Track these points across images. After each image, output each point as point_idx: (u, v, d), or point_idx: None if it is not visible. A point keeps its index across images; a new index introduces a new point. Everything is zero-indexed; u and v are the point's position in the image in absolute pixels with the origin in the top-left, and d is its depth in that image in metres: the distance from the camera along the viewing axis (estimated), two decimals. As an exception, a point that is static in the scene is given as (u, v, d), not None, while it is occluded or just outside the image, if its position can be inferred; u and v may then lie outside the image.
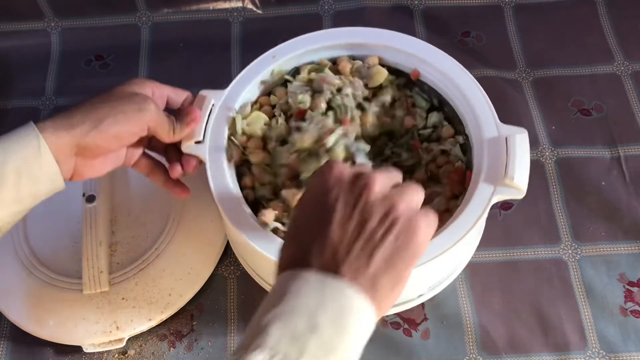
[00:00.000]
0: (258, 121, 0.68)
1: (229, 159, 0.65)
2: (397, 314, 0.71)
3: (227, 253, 0.75)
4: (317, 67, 0.71)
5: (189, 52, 0.92)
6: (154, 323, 0.69)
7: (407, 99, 0.71)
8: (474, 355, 0.69)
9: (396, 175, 0.50)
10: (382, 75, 0.69)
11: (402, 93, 0.71)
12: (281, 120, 0.68)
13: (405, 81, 0.71)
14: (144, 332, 0.69)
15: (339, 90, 0.68)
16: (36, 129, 0.55)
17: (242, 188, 0.65)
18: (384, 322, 0.70)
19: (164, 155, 0.66)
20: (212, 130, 0.65)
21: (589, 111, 0.84)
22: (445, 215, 0.65)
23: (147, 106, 0.59)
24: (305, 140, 0.65)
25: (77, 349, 0.69)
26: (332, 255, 0.44)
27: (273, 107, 0.70)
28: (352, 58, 0.71)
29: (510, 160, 0.60)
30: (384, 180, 0.47)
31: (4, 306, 0.70)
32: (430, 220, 0.47)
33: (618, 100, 0.85)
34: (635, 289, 0.72)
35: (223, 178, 0.63)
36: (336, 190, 0.47)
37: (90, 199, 0.72)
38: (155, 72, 0.90)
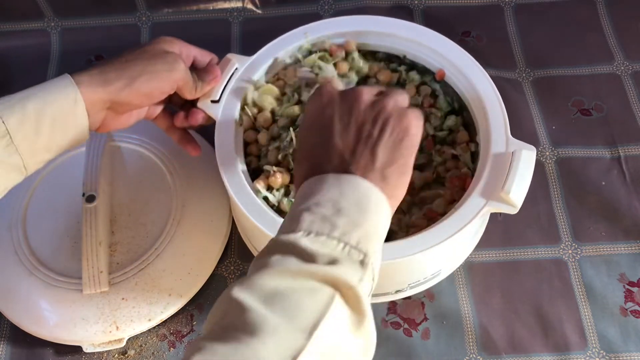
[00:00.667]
0: (269, 94, 0.70)
1: (240, 124, 0.67)
2: (398, 314, 0.71)
3: (227, 253, 0.75)
4: (323, 54, 0.71)
5: (189, 52, 0.92)
6: (154, 323, 0.69)
7: (429, 98, 0.71)
8: (474, 355, 0.69)
9: (379, 87, 0.55)
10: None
11: (428, 89, 0.71)
12: (291, 99, 0.69)
13: (430, 79, 0.71)
14: (144, 332, 0.69)
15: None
16: (74, 83, 0.57)
17: (247, 154, 0.67)
18: (384, 322, 0.70)
19: (180, 110, 0.68)
20: (229, 92, 0.67)
21: (589, 111, 0.84)
22: (440, 218, 0.65)
23: (178, 66, 0.61)
24: None
25: (77, 349, 0.69)
26: (340, 160, 0.50)
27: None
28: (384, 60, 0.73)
29: (510, 175, 0.60)
30: (370, 90, 0.53)
31: (4, 306, 0.70)
32: (417, 113, 0.52)
33: (618, 100, 0.85)
34: (635, 289, 0.72)
35: (229, 140, 0.65)
36: (330, 107, 0.53)
37: (90, 199, 0.72)
38: (155, 72, 0.90)
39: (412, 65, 0.72)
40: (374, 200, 0.48)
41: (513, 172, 0.60)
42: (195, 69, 0.67)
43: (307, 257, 0.44)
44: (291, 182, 0.65)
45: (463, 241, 0.67)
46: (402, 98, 0.53)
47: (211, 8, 0.95)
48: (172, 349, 0.70)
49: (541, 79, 0.87)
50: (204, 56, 0.68)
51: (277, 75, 0.72)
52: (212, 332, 0.41)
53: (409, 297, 0.71)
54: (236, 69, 0.69)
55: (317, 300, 0.42)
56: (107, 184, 0.74)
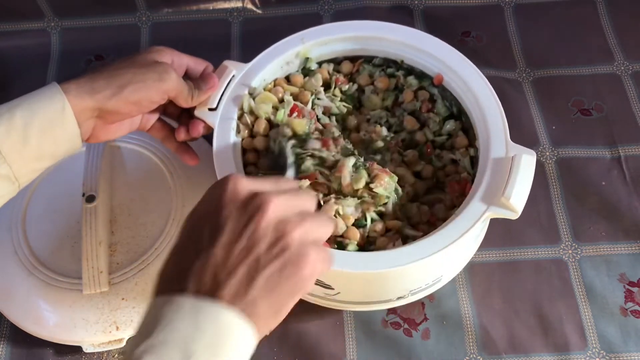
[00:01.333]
0: (266, 102, 0.69)
1: (237, 131, 0.66)
2: (398, 314, 0.71)
3: (227, 253, 0.75)
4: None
5: (189, 52, 0.92)
6: (153, 323, 0.69)
7: (428, 103, 0.70)
8: (474, 355, 0.69)
9: (305, 202, 0.47)
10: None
11: (426, 93, 0.71)
12: (286, 110, 0.69)
13: (427, 84, 0.71)
14: (143, 332, 0.69)
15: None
16: (61, 91, 0.57)
17: (246, 162, 0.66)
18: (384, 322, 0.70)
19: (177, 121, 0.68)
20: (226, 100, 0.67)
21: (589, 111, 0.84)
22: (441, 223, 0.65)
23: (168, 75, 0.61)
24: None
25: (77, 349, 0.69)
26: (211, 277, 0.42)
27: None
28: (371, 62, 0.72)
29: (511, 180, 0.59)
30: (284, 204, 0.45)
31: (4, 306, 0.70)
32: (323, 256, 0.45)
33: (618, 100, 0.85)
34: (635, 289, 0.72)
35: (227, 148, 0.64)
36: (228, 208, 0.44)
37: (90, 199, 0.72)
38: (155, 72, 0.90)
39: (410, 70, 0.72)
40: (236, 336, 0.41)
41: (513, 177, 0.60)
42: (191, 78, 0.67)
43: None
44: None
45: (464, 247, 0.67)
46: (318, 232, 0.46)
47: (211, 8, 0.95)
48: (172, 349, 0.70)
49: (541, 79, 0.87)
50: (198, 64, 0.67)
51: (275, 82, 0.72)
52: None
53: (409, 297, 0.71)
54: (233, 76, 0.68)
55: None
56: (107, 184, 0.74)
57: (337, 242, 0.62)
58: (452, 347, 0.69)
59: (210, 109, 0.66)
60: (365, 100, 0.73)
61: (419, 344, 0.69)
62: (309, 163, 0.63)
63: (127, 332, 0.68)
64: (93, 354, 0.70)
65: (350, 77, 0.74)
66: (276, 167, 0.66)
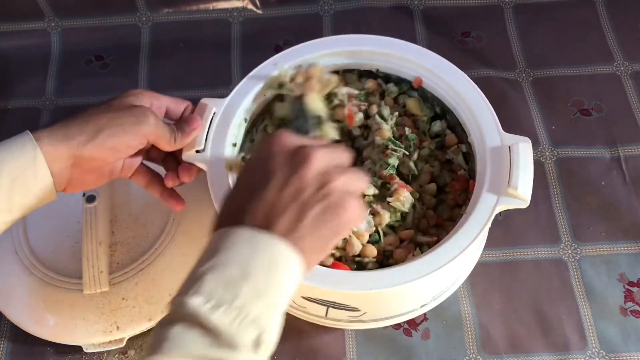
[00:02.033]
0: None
1: (229, 168, 0.64)
2: (397, 314, 0.71)
3: (227, 253, 0.75)
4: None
5: (189, 52, 0.92)
6: (154, 323, 0.69)
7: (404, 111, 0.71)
8: (474, 355, 0.69)
9: (342, 156, 0.52)
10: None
11: (406, 97, 0.71)
12: None
13: (407, 88, 0.71)
14: (144, 332, 0.69)
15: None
16: (33, 139, 0.54)
17: None
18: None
19: (162, 164, 0.66)
20: (213, 139, 0.64)
21: (589, 111, 0.84)
22: (448, 223, 0.65)
23: (145, 119, 0.58)
24: None
25: (77, 349, 0.69)
26: (265, 214, 0.47)
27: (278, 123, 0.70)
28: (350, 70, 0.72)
29: (513, 170, 0.60)
30: (326, 156, 0.50)
31: (4, 306, 0.70)
32: (360, 207, 0.50)
33: (618, 100, 0.85)
34: (635, 289, 0.72)
35: (224, 187, 0.62)
36: (278, 158, 0.50)
37: (90, 199, 0.72)
38: (155, 72, 0.90)
39: (387, 78, 0.71)
40: (287, 265, 0.46)
41: (515, 167, 0.60)
42: (172, 119, 0.64)
43: (208, 332, 0.43)
44: None
45: (480, 243, 0.67)
46: (356, 185, 0.51)
47: (211, 8, 0.95)
48: (172, 349, 0.70)
49: (541, 79, 0.87)
50: (177, 105, 0.64)
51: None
52: None
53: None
54: (214, 113, 0.65)
55: None
56: (107, 184, 0.74)
57: (356, 262, 0.62)
58: (452, 347, 0.69)
59: (197, 151, 0.63)
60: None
61: (419, 344, 0.69)
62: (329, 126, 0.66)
63: (127, 332, 0.68)
64: (93, 354, 0.70)
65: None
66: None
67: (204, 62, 0.91)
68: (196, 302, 0.43)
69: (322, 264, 0.59)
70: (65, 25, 0.94)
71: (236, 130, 0.67)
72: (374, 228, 0.64)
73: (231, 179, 0.64)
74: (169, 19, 0.94)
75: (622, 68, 0.87)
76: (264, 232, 0.46)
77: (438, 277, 0.58)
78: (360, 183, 0.51)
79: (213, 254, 0.46)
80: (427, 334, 0.70)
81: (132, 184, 0.65)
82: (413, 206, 0.65)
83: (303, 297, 0.62)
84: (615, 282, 0.72)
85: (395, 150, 0.66)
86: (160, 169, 0.66)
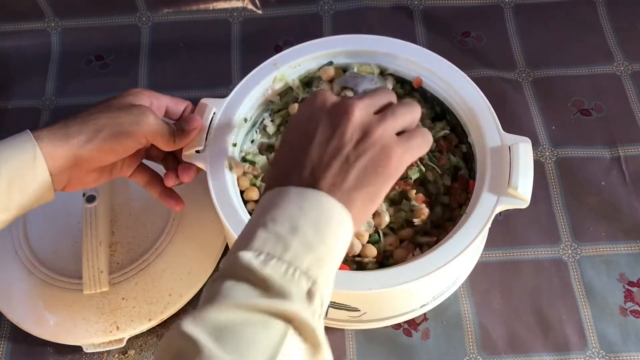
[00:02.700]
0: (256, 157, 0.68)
1: (230, 168, 0.64)
2: (397, 314, 0.71)
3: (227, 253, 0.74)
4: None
5: (189, 52, 0.92)
6: (154, 323, 0.69)
7: None
8: (474, 355, 0.69)
9: (383, 97, 0.52)
10: None
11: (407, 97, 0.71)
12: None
13: (409, 89, 0.71)
14: (144, 332, 0.70)
15: None
16: (33, 138, 0.54)
17: (245, 200, 0.65)
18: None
19: (162, 164, 0.66)
20: (212, 138, 0.64)
21: (589, 111, 0.84)
22: (448, 223, 0.65)
23: (145, 118, 0.58)
24: None
25: (77, 349, 0.69)
26: (310, 172, 0.48)
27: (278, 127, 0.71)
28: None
29: (513, 170, 0.60)
30: (366, 107, 0.50)
31: (4, 306, 0.70)
32: (408, 146, 0.50)
33: (618, 100, 0.85)
34: (635, 289, 0.72)
35: (224, 187, 0.62)
36: (318, 116, 0.50)
37: (90, 199, 0.72)
38: (155, 72, 0.90)
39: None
40: (336, 219, 0.47)
41: (515, 167, 0.60)
42: (172, 119, 0.64)
43: (259, 284, 0.43)
44: None
45: (480, 242, 0.67)
46: (397, 124, 0.51)
47: (211, 8, 0.95)
48: (172, 349, 0.70)
49: (541, 79, 0.87)
50: (177, 105, 0.64)
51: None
52: None
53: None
54: (214, 113, 0.65)
55: (270, 336, 0.41)
56: (108, 184, 0.74)
57: (356, 262, 0.62)
58: (452, 347, 0.69)
59: (197, 151, 0.63)
60: None
61: (419, 344, 0.69)
62: None
63: (128, 332, 0.68)
64: (93, 354, 0.70)
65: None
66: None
67: (204, 62, 0.91)
68: (247, 257, 0.44)
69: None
70: (65, 25, 0.94)
71: (236, 130, 0.67)
72: (374, 228, 0.64)
73: (231, 178, 0.64)
74: (169, 19, 0.94)
75: (622, 68, 0.87)
76: (312, 189, 0.47)
77: (438, 277, 0.58)
78: (406, 116, 0.51)
79: (262, 213, 0.47)
80: (427, 334, 0.70)
81: (132, 183, 0.65)
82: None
83: (303, 297, 0.62)
84: (615, 282, 0.72)
85: (421, 161, 0.66)
86: (160, 169, 0.66)
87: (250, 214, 0.63)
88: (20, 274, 0.71)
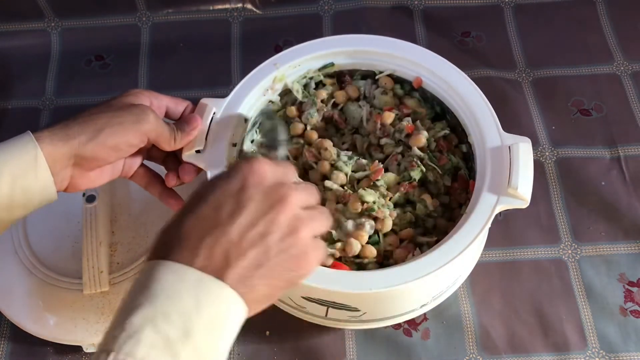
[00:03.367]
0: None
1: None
2: (397, 314, 0.71)
3: (227, 253, 0.74)
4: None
5: (189, 52, 0.92)
6: (154, 323, 0.69)
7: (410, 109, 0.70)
8: (474, 355, 0.69)
9: (314, 196, 0.49)
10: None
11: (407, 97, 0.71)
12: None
13: (409, 89, 0.71)
14: (144, 332, 0.69)
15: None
16: (34, 139, 0.54)
17: None
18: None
19: (162, 164, 0.66)
20: (213, 139, 0.64)
21: (589, 111, 0.84)
22: (449, 224, 0.65)
23: (146, 117, 0.58)
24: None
25: (77, 349, 0.69)
26: (223, 254, 0.43)
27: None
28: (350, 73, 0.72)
29: (513, 170, 0.60)
30: (302, 199, 0.47)
31: (4, 306, 0.70)
32: (321, 254, 0.47)
33: (618, 100, 0.85)
34: (635, 289, 0.72)
35: None
36: (252, 191, 0.45)
37: (90, 199, 0.72)
38: (155, 72, 0.90)
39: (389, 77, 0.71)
40: (231, 314, 0.43)
41: (515, 167, 0.60)
42: (172, 119, 0.64)
43: None
44: None
45: (480, 243, 0.67)
46: (322, 227, 0.48)
47: (211, 8, 0.95)
48: (172, 349, 0.70)
49: (541, 79, 0.87)
50: (177, 105, 0.64)
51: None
52: None
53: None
54: (214, 113, 0.65)
55: None
56: (108, 184, 0.74)
57: (356, 262, 0.62)
58: (452, 347, 0.69)
59: (197, 151, 0.63)
60: (375, 102, 0.72)
61: (418, 344, 0.69)
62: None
63: (127, 332, 0.68)
64: (93, 354, 0.70)
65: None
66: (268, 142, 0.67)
67: (204, 62, 0.91)
68: None
69: (322, 264, 0.59)
70: (65, 25, 0.94)
71: (236, 130, 0.67)
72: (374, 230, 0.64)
73: None
74: (169, 19, 0.94)
75: (622, 68, 0.87)
76: (215, 279, 0.42)
77: (438, 277, 0.58)
78: (325, 226, 0.49)
79: (151, 297, 0.41)
80: (427, 334, 0.70)
81: (132, 184, 0.65)
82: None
83: (303, 297, 0.62)
84: (615, 282, 0.72)
85: (421, 160, 0.66)
86: (160, 169, 0.66)
87: None
88: (20, 274, 0.71)
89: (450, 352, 0.69)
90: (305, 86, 0.72)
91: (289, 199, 0.46)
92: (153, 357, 0.39)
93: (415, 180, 0.65)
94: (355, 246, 0.62)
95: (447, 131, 0.68)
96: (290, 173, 0.49)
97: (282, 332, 0.70)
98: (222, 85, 0.88)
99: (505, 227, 0.75)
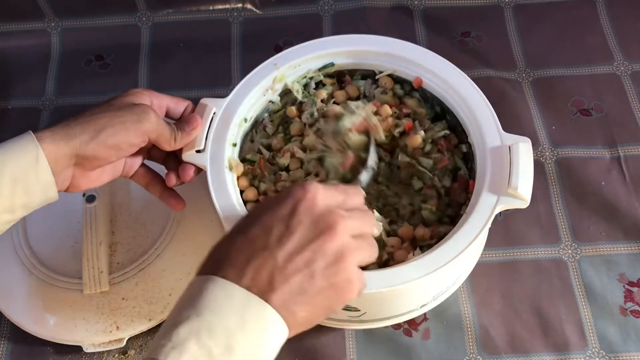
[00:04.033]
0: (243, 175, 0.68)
1: (230, 168, 0.65)
2: (397, 314, 0.71)
3: (227, 253, 0.74)
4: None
5: (189, 52, 0.92)
6: (154, 323, 0.69)
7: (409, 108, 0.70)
8: (474, 355, 0.69)
9: (368, 224, 0.50)
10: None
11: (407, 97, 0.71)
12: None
13: (409, 89, 0.71)
14: (144, 332, 0.69)
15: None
16: (35, 139, 0.54)
17: (245, 200, 0.65)
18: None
19: (163, 164, 0.66)
20: (213, 138, 0.64)
21: (589, 111, 0.84)
22: (449, 224, 0.65)
23: (147, 116, 0.58)
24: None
25: (77, 349, 0.69)
26: (268, 278, 0.44)
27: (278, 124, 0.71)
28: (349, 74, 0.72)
29: (513, 170, 0.60)
30: (352, 226, 0.47)
31: (4, 306, 0.70)
32: (362, 284, 0.48)
33: (618, 100, 0.85)
34: (635, 289, 0.72)
35: (224, 187, 0.62)
36: (302, 217, 0.46)
37: (90, 199, 0.72)
38: (155, 72, 0.90)
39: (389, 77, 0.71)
40: (273, 337, 0.44)
41: (515, 167, 0.60)
42: (172, 119, 0.64)
43: None
44: None
45: (480, 242, 0.67)
46: (368, 258, 0.49)
47: (211, 8, 0.95)
48: (172, 349, 0.70)
49: (541, 79, 0.87)
50: (178, 104, 0.64)
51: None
52: None
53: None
54: (214, 113, 0.65)
55: None
56: (108, 184, 0.74)
57: None
58: (452, 347, 0.69)
59: (197, 151, 0.63)
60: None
61: (419, 344, 0.69)
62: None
63: (127, 332, 0.68)
64: (93, 354, 0.70)
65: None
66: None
67: (204, 62, 0.91)
68: None
69: None
70: (65, 25, 0.94)
71: (236, 130, 0.67)
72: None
73: (231, 178, 0.64)
74: (169, 19, 0.94)
75: (622, 68, 0.87)
76: (261, 300, 0.44)
77: (438, 277, 0.58)
78: (372, 256, 0.49)
79: (199, 310, 0.43)
80: (427, 334, 0.70)
81: (132, 183, 0.65)
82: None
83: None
84: (615, 282, 0.72)
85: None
86: (160, 169, 0.66)
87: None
88: (20, 274, 0.71)
89: (450, 352, 0.69)
90: (305, 86, 0.72)
91: (337, 228, 0.46)
92: None
93: (428, 220, 0.65)
94: None
95: (447, 131, 0.68)
96: (354, 199, 0.50)
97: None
98: (222, 85, 0.88)
99: (505, 227, 0.75)
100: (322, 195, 0.48)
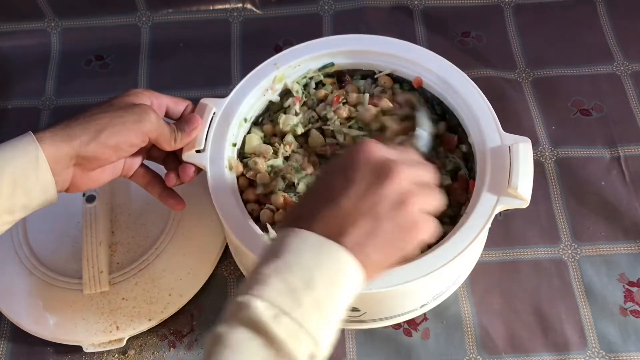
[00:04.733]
0: (250, 143, 0.68)
1: (230, 168, 0.65)
2: (397, 314, 0.71)
3: (227, 253, 0.75)
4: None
5: (189, 52, 0.92)
6: (154, 323, 0.69)
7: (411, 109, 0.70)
8: (474, 355, 0.69)
9: (427, 175, 0.51)
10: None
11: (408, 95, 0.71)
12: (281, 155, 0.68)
13: (408, 89, 0.71)
14: (144, 332, 0.70)
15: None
16: (35, 140, 0.54)
17: (245, 200, 0.65)
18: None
19: (162, 164, 0.66)
20: (213, 138, 0.65)
21: (589, 111, 0.84)
22: (449, 224, 0.65)
23: (147, 116, 0.58)
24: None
25: (77, 349, 0.69)
26: (337, 222, 0.47)
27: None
28: (349, 73, 0.72)
29: (513, 170, 0.60)
30: (409, 173, 0.49)
31: (4, 306, 0.70)
32: (432, 229, 0.49)
33: (618, 100, 0.85)
34: (635, 289, 0.72)
35: (224, 187, 0.63)
36: (362, 167, 0.49)
37: (90, 199, 0.72)
38: (155, 72, 0.90)
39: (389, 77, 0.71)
40: (349, 278, 0.46)
41: (515, 167, 0.60)
42: (172, 119, 0.64)
43: (269, 341, 0.43)
44: None
45: (480, 242, 0.67)
46: (434, 204, 0.50)
47: (211, 8, 0.95)
48: (172, 349, 0.70)
49: (541, 79, 0.87)
50: (177, 104, 0.65)
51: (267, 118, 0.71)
52: None
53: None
54: (214, 113, 0.66)
55: None
56: (108, 184, 0.74)
57: None
58: (452, 347, 0.69)
59: (197, 151, 0.63)
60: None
61: (418, 343, 0.69)
62: None
63: (127, 332, 0.68)
64: (93, 353, 0.70)
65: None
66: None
67: (204, 62, 0.91)
68: (259, 309, 0.43)
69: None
70: (65, 25, 0.94)
71: (236, 130, 0.67)
72: None
73: (231, 178, 0.64)
74: (169, 19, 0.94)
75: (622, 68, 0.87)
76: (333, 242, 0.46)
77: (438, 277, 0.58)
78: (436, 203, 0.50)
79: (279, 254, 0.46)
80: (427, 334, 0.70)
81: (132, 184, 0.65)
82: None
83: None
84: (615, 282, 0.72)
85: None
86: (160, 169, 0.66)
87: (250, 214, 0.63)
88: (20, 274, 0.71)
89: (450, 352, 0.69)
90: (305, 86, 0.72)
91: (396, 172, 0.48)
92: (279, 301, 0.44)
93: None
94: None
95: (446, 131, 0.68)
96: (410, 154, 0.52)
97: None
98: (222, 85, 0.88)
99: (505, 227, 0.75)
100: (378, 148, 0.50)
